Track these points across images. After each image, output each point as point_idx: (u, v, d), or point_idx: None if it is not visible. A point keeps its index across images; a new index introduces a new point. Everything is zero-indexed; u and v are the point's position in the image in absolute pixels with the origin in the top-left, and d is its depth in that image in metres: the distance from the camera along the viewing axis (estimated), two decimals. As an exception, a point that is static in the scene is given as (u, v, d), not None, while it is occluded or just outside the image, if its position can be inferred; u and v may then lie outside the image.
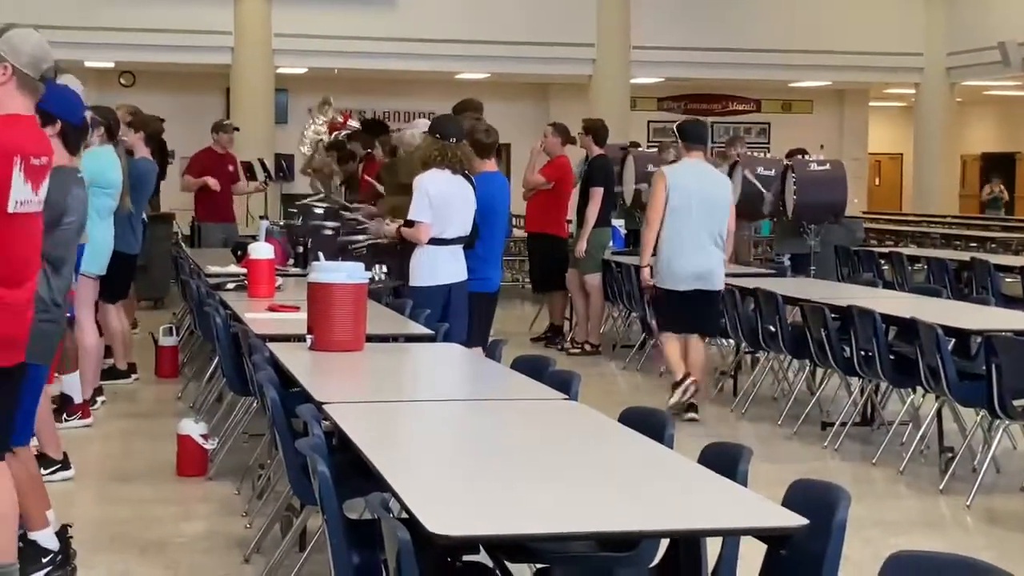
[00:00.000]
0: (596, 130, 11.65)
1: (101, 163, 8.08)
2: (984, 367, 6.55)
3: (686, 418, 8.49)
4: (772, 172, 12.27)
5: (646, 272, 8.71)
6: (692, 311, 8.60)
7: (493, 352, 6.19)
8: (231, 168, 13.38)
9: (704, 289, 8.57)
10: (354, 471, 3.94)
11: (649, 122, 24.23)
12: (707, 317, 8.74)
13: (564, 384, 5.00)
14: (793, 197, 11.79)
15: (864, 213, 23.31)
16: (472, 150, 7.64)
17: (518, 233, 15.42)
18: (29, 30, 4.38)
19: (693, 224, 8.46)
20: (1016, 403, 6.39)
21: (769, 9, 21.30)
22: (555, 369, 5.35)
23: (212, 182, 12.93)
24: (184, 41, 18.80)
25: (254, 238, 9.27)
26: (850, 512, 3.45)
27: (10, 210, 4.08)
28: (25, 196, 4.14)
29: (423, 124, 8.47)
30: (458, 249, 7.52)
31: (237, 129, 13.82)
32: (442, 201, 7.35)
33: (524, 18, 20.05)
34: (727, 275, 9.00)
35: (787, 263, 11.98)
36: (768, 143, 24.21)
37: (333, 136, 11.95)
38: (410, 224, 7.44)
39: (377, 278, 8.22)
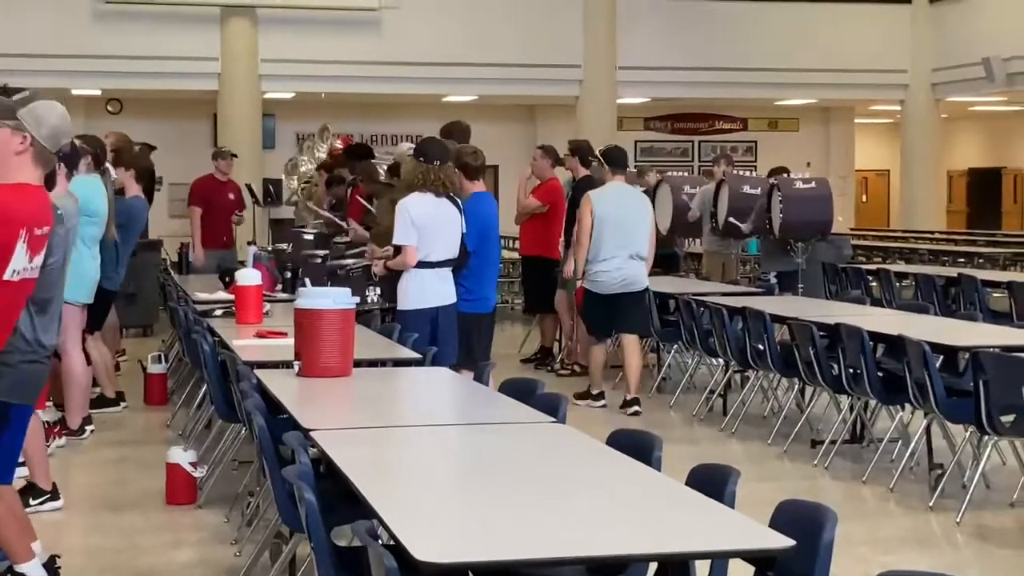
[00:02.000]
0: (583, 151, 11.66)
1: (87, 192, 8.07)
2: (972, 383, 6.55)
3: (630, 412, 9.50)
4: (758, 190, 12.30)
5: (580, 285, 9.75)
6: (620, 312, 9.66)
7: (481, 375, 6.19)
8: (232, 196, 13.35)
9: (629, 292, 9.66)
10: (343, 498, 3.94)
11: (636, 142, 24.28)
12: (635, 316, 9.78)
13: (552, 407, 5.00)
14: (779, 215, 11.81)
15: (851, 230, 23.36)
16: (459, 172, 7.67)
17: (509, 255, 15.45)
18: (54, 102, 4.40)
19: (616, 241, 9.58)
20: (1004, 419, 6.40)
21: (754, 28, 21.38)
22: (543, 392, 5.35)
23: (198, 252, 12.92)
24: (170, 68, 18.82)
25: (243, 264, 9.27)
26: (841, 530, 3.45)
27: (6, 277, 4.11)
28: (22, 264, 4.17)
29: (407, 148, 8.50)
30: (446, 271, 7.52)
31: (235, 156, 13.81)
32: (426, 224, 7.36)
33: (511, 40, 20.10)
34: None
35: (774, 281, 11.99)
36: (755, 161, 24.28)
37: (332, 160, 11.98)
38: (397, 249, 7.45)
39: (372, 300, 8.24)
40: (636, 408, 9.62)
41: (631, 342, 9.80)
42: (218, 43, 19.20)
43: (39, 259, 4.29)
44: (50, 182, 5.24)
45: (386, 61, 19.46)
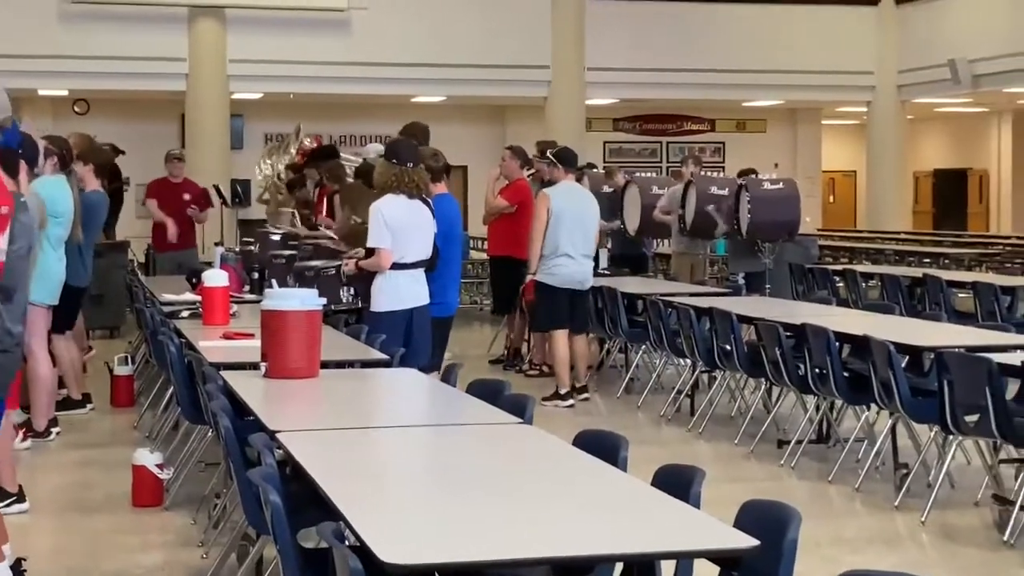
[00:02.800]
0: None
1: (53, 192, 8.05)
2: (937, 383, 6.60)
3: (579, 399, 10.06)
4: (726, 191, 12.35)
5: (532, 279, 10.06)
6: (570, 307, 10.06)
7: (448, 376, 6.20)
8: (187, 196, 13.38)
9: (579, 290, 10.10)
10: (309, 500, 3.93)
11: (605, 143, 24.34)
12: (581, 313, 10.24)
13: (519, 408, 5.01)
14: (747, 216, 11.86)
15: (818, 230, 23.48)
16: (428, 174, 7.68)
17: (477, 255, 15.45)
18: None
19: (569, 236, 9.93)
20: (968, 418, 6.44)
21: (722, 29, 21.46)
22: (510, 393, 5.36)
23: (171, 230, 12.96)
24: (138, 68, 18.73)
25: (210, 265, 9.24)
26: (807, 530, 3.47)
27: None
28: None
29: (375, 148, 8.50)
30: (419, 272, 7.51)
31: (178, 159, 13.77)
32: (400, 226, 7.35)
33: (479, 41, 20.10)
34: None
35: (742, 282, 12.04)
36: (723, 162, 24.36)
37: (301, 161, 11.96)
38: (370, 252, 7.44)
39: (346, 300, 8.23)
40: (585, 395, 10.21)
41: (578, 337, 10.25)
42: (186, 43, 19.13)
43: (3, 240, 4.25)
44: (10, 170, 5.21)
45: (355, 62, 19.44)
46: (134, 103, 20.83)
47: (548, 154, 10.65)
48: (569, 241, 9.95)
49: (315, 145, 11.21)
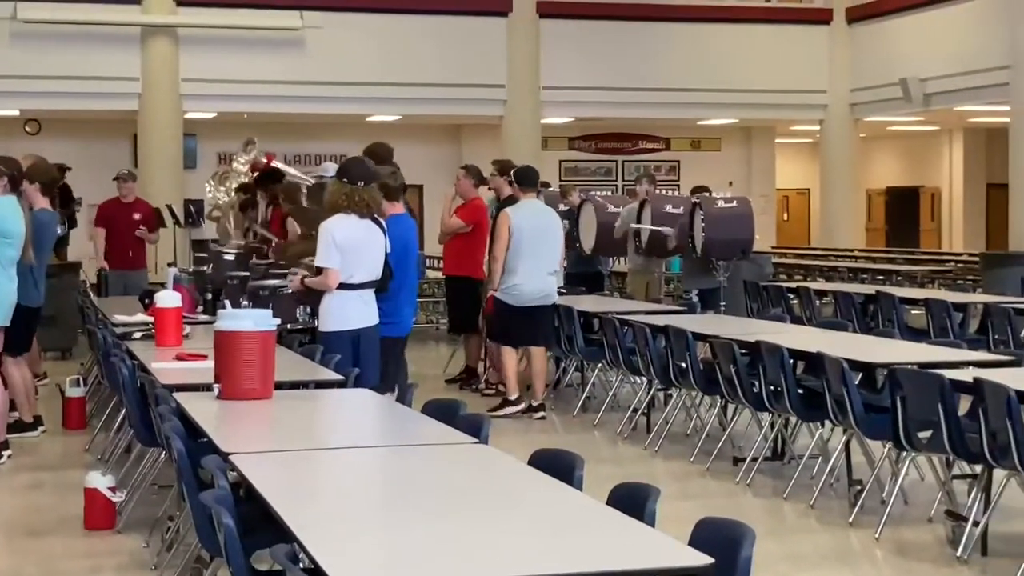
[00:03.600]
0: (507, 171, 11.68)
1: (4, 213, 7.98)
2: (890, 400, 6.64)
3: (536, 417, 10.14)
4: (680, 210, 12.40)
5: (492, 295, 10.21)
6: (533, 324, 10.20)
7: (404, 396, 6.18)
8: (137, 216, 13.35)
9: (543, 305, 10.23)
10: (263, 522, 3.91)
11: (561, 161, 24.40)
12: (547, 328, 10.39)
13: (474, 427, 5.00)
14: (701, 234, 11.91)
15: (772, 248, 23.62)
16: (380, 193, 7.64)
17: (433, 275, 15.43)
18: None
19: (532, 254, 10.08)
20: (921, 435, 6.48)
21: (676, 49, 21.58)
22: (465, 413, 5.34)
23: (99, 247, 13.04)
24: (90, 88, 18.64)
25: (163, 285, 9.17)
26: (762, 547, 3.48)
27: None
28: None
29: (331, 168, 8.46)
30: (368, 293, 7.47)
31: (128, 179, 13.68)
32: (349, 245, 7.31)
33: (435, 60, 20.12)
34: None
35: (697, 299, 12.08)
36: (678, 180, 24.47)
37: (249, 176, 11.87)
38: (318, 271, 7.40)
39: (302, 320, 8.18)
40: (542, 414, 10.26)
41: (538, 353, 10.36)
42: (139, 63, 19.04)
43: None
44: None
45: (309, 81, 19.41)
46: (86, 123, 20.71)
47: (511, 174, 10.76)
48: (532, 259, 10.11)
49: (267, 160, 11.13)
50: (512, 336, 10.26)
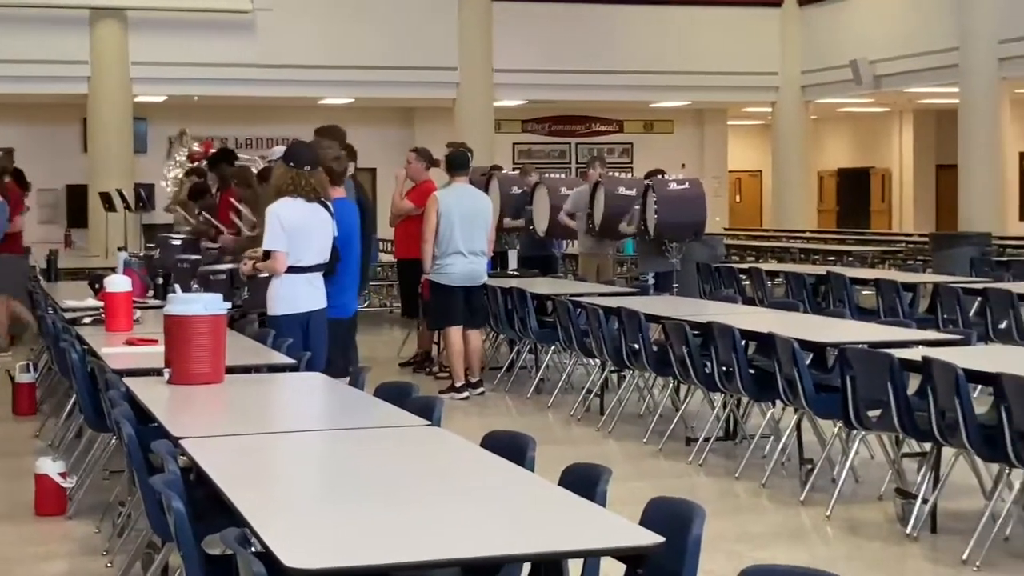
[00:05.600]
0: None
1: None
2: (840, 379, 6.68)
3: (476, 393, 10.41)
4: (633, 192, 12.42)
5: (427, 279, 10.41)
6: (468, 304, 10.37)
7: (356, 380, 6.16)
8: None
9: (475, 286, 10.42)
10: (214, 506, 3.89)
11: (514, 144, 24.40)
12: (476, 308, 10.51)
13: (427, 410, 5.00)
14: (654, 216, 11.94)
15: (725, 230, 23.73)
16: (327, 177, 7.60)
17: (385, 258, 15.39)
18: None
19: (461, 237, 10.22)
20: (871, 413, 6.53)
21: (629, 31, 21.60)
22: (418, 395, 5.34)
23: None
24: (38, 71, 18.46)
25: (113, 270, 9.11)
26: (713, 526, 3.50)
27: None
28: None
29: (280, 151, 8.40)
30: (317, 276, 7.45)
31: None
32: (297, 229, 7.27)
33: (387, 43, 20.05)
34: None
35: (651, 281, 12.12)
36: (631, 163, 24.53)
37: (194, 166, 11.81)
38: (266, 255, 7.36)
39: (240, 301, 8.13)
40: (480, 390, 10.53)
41: (474, 333, 10.56)
42: (88, 46, 18.87)
43: None
44: None
45: (260, 64, 19.30)
46: (35, 107, 20.51)
47: (444, 157, 10.87)
48: (461, 240, 10.25)
49: (203, 150, 11.07)
50: (451, 317, 10.38)
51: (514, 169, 17.74)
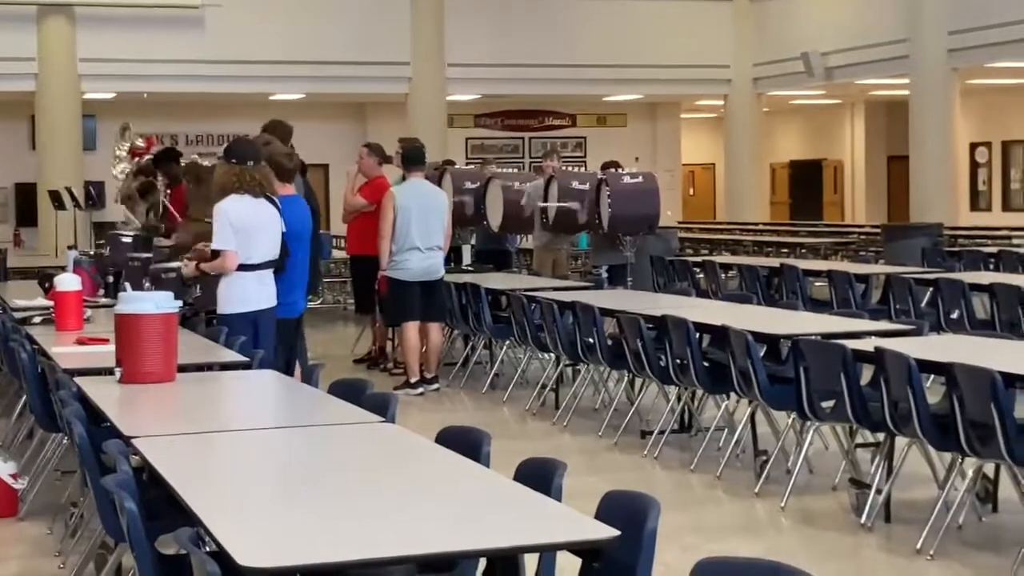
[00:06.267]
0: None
1: None
2: (794, 371, 6.71)
3: (431, 389, 10.41)
4: (587, 186, 12.42)
5: (384, 275, 10.34)
6: (425, 299, 10.33)
7: (310, 377, 6.13)
8: None
9: (432, 280, 10.36)
10: (168, 505, 3.86)
11: (467, 139, 24.39)
12: (435, 303, 10.47)
13: (381, 406, 4.98)
14: (608, 210, 11.96)
15: (679, 223, 23.80)
16: (271, 172, 7.53)
17: (339, 255, 15.33)
18: None
19: (418, 231, 10.21)
20: (825, 404, 6.56)
21: (582, 25, 21.63)
22: (372, 392, 5.32)
23: None
24: (-15, 68, 18.26)
25: (63, 269, 9.02)
26: (668, 519, 3.50)
27: None
28: None
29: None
30: (266, 274, 7.38)
31: None
32: (245, 226, 7.20)
33: (338, 37, 19.97)
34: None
35: (605, 275, 12.13)
36: (585, 157, 24.56)
37: (137, 162, 11.69)
38: (216, 254, 7.29)
39: (191, 299, 8.04)
40: (435, 385, 10.52)
41: (434, 328, 10.51)
42: (35, 42, 18.68)
43: None
44: None
45: (210, 60, 19.18)
46: (-19, 104, 20.30)
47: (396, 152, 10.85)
48: (417, 235, 10.23)
49: (145, 146, 10.95)
50: (407, 313, 10.37)
51: (467, 164, 17.71)
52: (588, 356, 8.96)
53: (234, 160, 7.23)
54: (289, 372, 6.91)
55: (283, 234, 7.41)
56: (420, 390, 10.35)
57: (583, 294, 9.87)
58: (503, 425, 9.08)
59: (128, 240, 9.32)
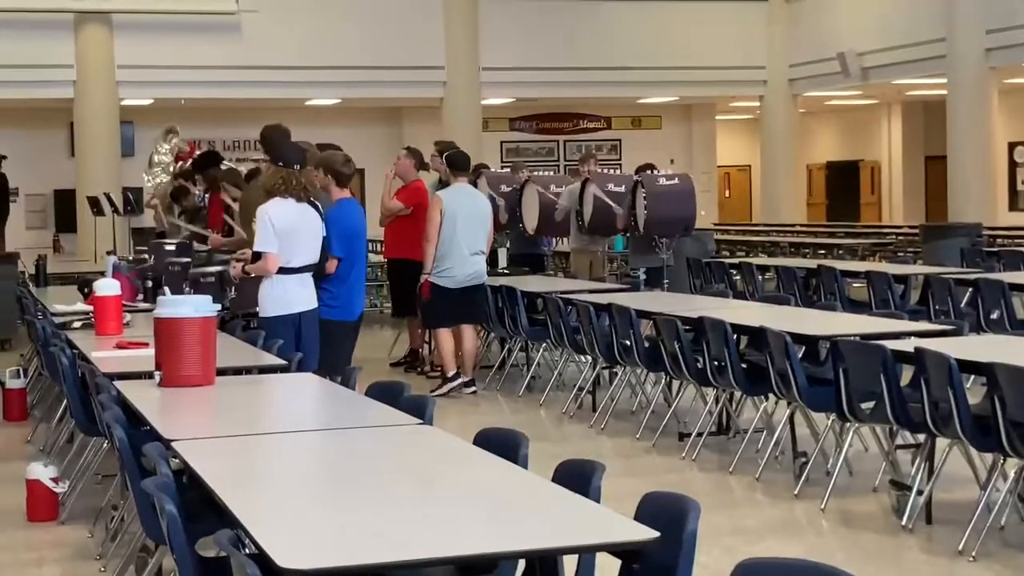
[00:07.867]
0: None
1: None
2: (832, 372, 6.68)
3: (467, 393, 10.37)
4: (623, 188, 12.40)
5: (426, 280, 10.33)
6: (465, 302, 10.39)
7: (348, 379, 6.14)
8: None
9: (475, 285, 10.44)
10: (208, 508, 3.87)
11: (502, 142, 24.37)
12: (479, 307, 10.62)
13: (419, 409, 4.98)
14: (644, 212, 11.93)
15: (715, 225, 23.73)
16: (331, 179, 7.70)
17: (374, 258, 15.36)
18: None
19: (465, 238, 10.27)
20: (864, 406, 6.52)
21: (616, 27, 21.59)
22: (409, 395, 5.33)
23: None
24: (24, 76, 18.39)
25: (102, 274, 9.08)
26: (708, 520, 3.48)
27: None
28: None
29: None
30: (307, 277, 7.43)
31: None
32: (287, 230, 7.25)
33: (373, 42, 20.02)
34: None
35: (642, 277, 12.10)
36: (620, 159, 24.52)
37: (180, 166, 11.75)
38: (257, 256, 7.34)
39: (227, 303, 8.10)
40: (473, 388, 10.50)
41: (468, 330, 10.56)
42: (73, 50, 18.82)
43: None
44: None
45: (246, 65, 19.26)
46: (21, 111, 20.45)
47: (443, 157, 10.86)
48: (464, 241, 10.26)
49: (189, 150, 11.00)
50: (448, 318, 10.42)
51: (503, 167, 17.71)
52: (625, 358, 8.94)
53: (282, 163, 7.29)
54: (342, 376, 6.87)
55: (324, 239, 7.45)
56: (459, 381, 10.41)
57: (619, 296, 9.85)
58: (540, 428, 9.07)
59: (171, 248, 9.38)
